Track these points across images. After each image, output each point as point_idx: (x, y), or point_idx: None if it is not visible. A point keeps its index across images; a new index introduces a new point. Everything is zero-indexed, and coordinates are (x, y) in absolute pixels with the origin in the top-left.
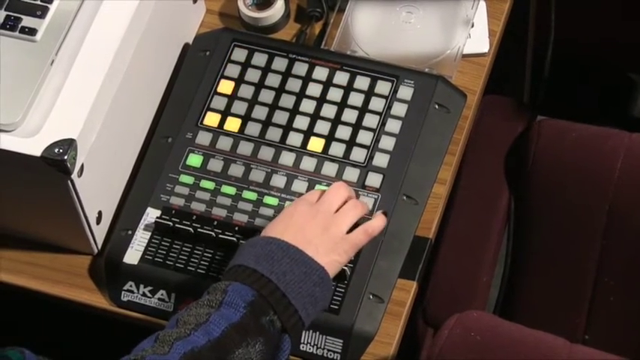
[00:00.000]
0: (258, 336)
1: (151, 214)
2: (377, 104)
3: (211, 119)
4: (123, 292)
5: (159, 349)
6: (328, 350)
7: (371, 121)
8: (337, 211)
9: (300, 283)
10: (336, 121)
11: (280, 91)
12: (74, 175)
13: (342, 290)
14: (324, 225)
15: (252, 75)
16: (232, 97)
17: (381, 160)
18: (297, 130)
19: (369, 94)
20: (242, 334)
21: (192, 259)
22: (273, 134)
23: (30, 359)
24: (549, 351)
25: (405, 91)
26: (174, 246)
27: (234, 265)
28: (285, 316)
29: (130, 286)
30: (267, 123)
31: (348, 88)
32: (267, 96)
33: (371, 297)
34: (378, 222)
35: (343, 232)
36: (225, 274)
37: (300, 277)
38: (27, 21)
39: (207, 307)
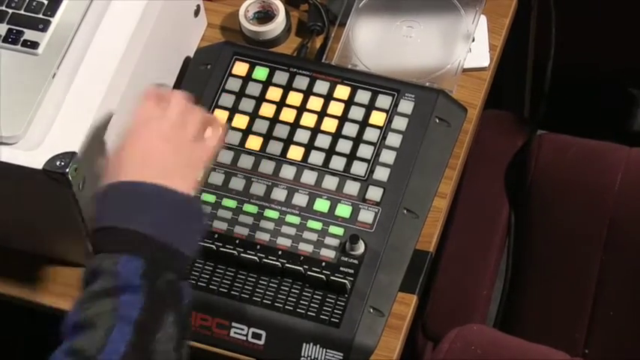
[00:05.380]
0: (163, 314)
1: None
2: (377, 118)
3: None
4: None
5: None
6: None
7: (371, 134)
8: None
9: (181, 227)
10: (337, 135)
11: (281, 104)
12: (76, 189)
13: (343, 303)
14: (176, 147)
15: (253, 89)
16: (233, 111)
17: (381, 173)
18: (298, 144)
19: (370, 107)
20: (151, 326)
21: (193, 273)
22: (274, 148)
23: None
24: None
25: (406, 105)
26: None
27: (111, 225)
28: (178, 267)
29: None
30: (267, 136)
31: (349, 102)
32: (267, 110)
33: (371, 310)
34: (221, 125)
35: (196, 145)
36: (106, 239)
37: (179, 220)
38: (29, 34)
39: (104, 296)
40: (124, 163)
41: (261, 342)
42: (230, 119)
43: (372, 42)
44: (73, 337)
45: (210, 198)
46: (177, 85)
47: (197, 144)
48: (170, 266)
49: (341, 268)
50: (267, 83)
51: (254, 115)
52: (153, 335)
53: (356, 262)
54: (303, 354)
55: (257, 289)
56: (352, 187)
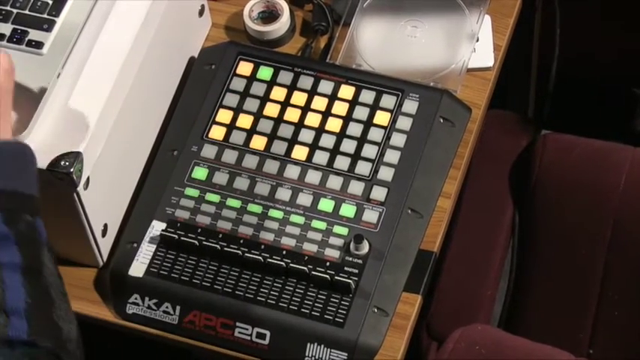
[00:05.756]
0: (39, 252)
1: (157, 227)
2: (382, 118)
3: (217, 132)
4: (128, 305)
5: None
6: None
7: (376, 134)
8: None
9: (16, 172)
10: (341, 135)
11: (285, 104)
12: (80, 188)
13: (347, 303)
14: None
15: (258, 88)
16: (237, 111)
17: (385, 173)
18: (302, 144)
19: (374, 107)
20: (35, 265)
21: (197, 272)
22: (278, 148)
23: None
24: None
25: (410, 105)
26: (179, 259)
27: None
28: (30, 208)
29: (135, 298)
30: (272, 136)
31: (353, 102)
32: (272, 109)
33: (375, 310)
34: (3, 57)
35: None
36: None
37: (10, 166)
38: (34, 34)
39: None
40: None
41: (266, 342)
42: (234, 119)
43: (377, 42)
44: None
45: (214, 198)
46: (182, 85)
47: None
48: (24, 209)
49: (345, 268)
50: (271, 83)
51: (258, 115)
52: (40, 273)
53: (360, 261)
54: (307, 354)
55: (261, 289)
56: (356, 187)
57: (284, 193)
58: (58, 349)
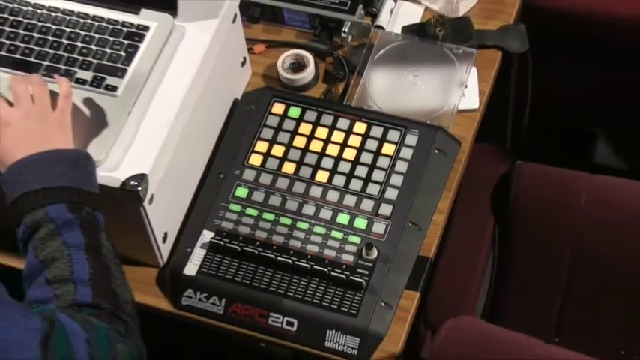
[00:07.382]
0: (98, 235)
1: (207, 235)
2: (388, 149)
3: (255, 160)
4: (183, 298)
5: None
6: (347, 346)
7: (383, 162)
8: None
9: (78, 173)
10: (355, 162)
11: (310, 137)
12: (146, 203)
13: (359, 298)
14: (39, 119)
15: (288, 124)
16: (272, 142)
17: (391, 193)
18: (324, 169)
19: (382, 140)
20: (95, 245)
21: (239, 272)
22: (305, 172)
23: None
24: (527, 349)
25: (411, 139)
26: (224, 261)
27: (27, 191)
28: (90, 202)
29: (189, 292)
30: (300, 163)
31: (365, 136)
32: (300, 141)
33: (382, 304)
34: (64, 84)
35: (51, 110)
36: (29, 200)
37: (73, 169)
38: (110, 80)
39: (52, 237)
40: (8, 151)
41: (294, 328)
42: (269, 149)
43: (385, 87)
44: (43, 272)
45: (253, 212)
46: (228, 121)
47: (54, 109)
48: (84, 202)
49: (358, 270)
50: (299, 120)
51: (289, 146)
52: (100, 251)
53: (370, 264)
54: (327, 338)
55: (290, 286)
56: (367, 205)
57: (309, 209)
58: (117, 310)
